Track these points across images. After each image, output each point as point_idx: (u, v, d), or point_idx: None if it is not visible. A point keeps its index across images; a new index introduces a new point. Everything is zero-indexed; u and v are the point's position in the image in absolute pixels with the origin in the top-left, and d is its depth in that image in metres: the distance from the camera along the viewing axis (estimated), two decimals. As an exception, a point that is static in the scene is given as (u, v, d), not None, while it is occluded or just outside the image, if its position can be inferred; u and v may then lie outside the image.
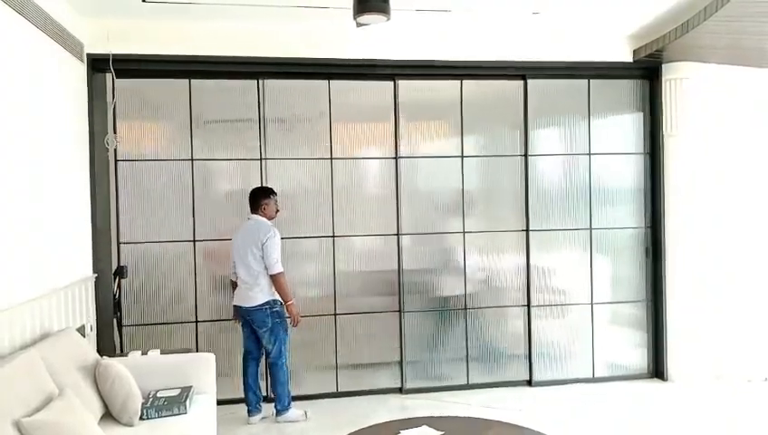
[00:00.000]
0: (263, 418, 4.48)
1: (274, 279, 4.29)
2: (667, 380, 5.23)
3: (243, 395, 4.47)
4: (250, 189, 4.52)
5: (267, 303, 4.30)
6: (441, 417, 3.81)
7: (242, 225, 4.47)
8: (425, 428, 3.13)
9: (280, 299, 4.36)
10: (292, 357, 4.57)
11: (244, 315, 4.38)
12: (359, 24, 3.61)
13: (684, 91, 5.12)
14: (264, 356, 4.47)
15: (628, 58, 5.15)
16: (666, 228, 5.23)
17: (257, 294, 4.29)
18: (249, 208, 4.45)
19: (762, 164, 5.27)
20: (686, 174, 5.17)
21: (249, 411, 4.46)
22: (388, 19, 3.48)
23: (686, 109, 5.13)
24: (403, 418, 3.76)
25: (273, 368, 4.40)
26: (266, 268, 4.28)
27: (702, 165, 5.16)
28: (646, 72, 5.25)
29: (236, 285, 4.44)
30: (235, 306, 4.44)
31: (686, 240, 5.17)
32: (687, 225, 5.16)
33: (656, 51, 4.86)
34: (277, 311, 4.34)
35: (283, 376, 4.37)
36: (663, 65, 5.16)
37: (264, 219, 4.41)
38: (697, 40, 4.49)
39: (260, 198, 4.45)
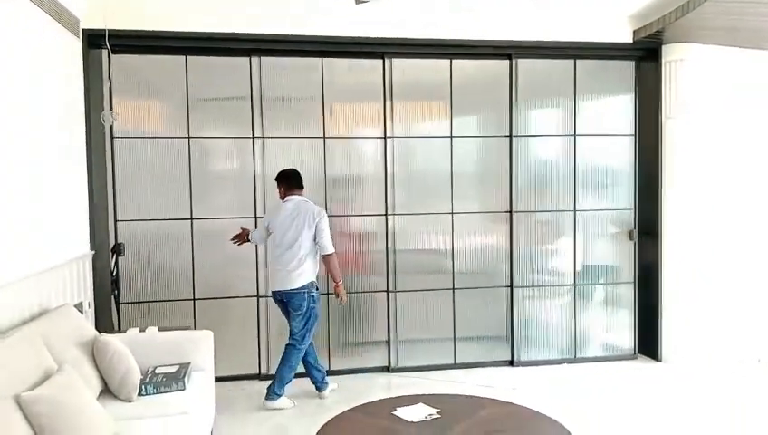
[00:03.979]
0: (331, 390, 4.48)
1: (329, 259, 4.24)
2: (660, 360, 5.29)
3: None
4: (282, 169, 4.42)
5: (306, 286, 4.22)
6: (436, 394, 3.82)
7: (280, 205, 4.34)
8: (421, 405, 3.16)
9: (316, 283, 4.30)
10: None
11: (281, 299, 4.30)
12: (358, 2, 3.58)
13: (684, 72, 5.10)
14: (305, 334, 4.27)
15: (629, 39, 5.11)
16: (662, 210, 5.25)
17: (299, 277, 4.19)
18: (284, 188, 4.34)
19: (760, 147, 5.27)
20: (684, 156, 5.16)
21: (319, 388, 4.45)
22: (387, -4, 3.45)
23: (686, 91, 5.11)
24: (395, 396, 3.78)
25: (289, 349, 4.27)
26: (318, 249, 4.23)
27: (701, 147, 5.15)
28: (646, 53, 5.21)
29: (246, 239, 4.49)
30: (273, 292, 4.34)
31: (683, 222, 5.18)
32: (684, 206, 5.18)
33: (656, 32, 4.82)
34: (314, 296, 4.26)
35: (295, 362, 4.27)
36: (663, 47, 5.13)
37: (306, 199, 4.34)
38: (697, 21, 4.46)
39: (300, 178, 4.38)
